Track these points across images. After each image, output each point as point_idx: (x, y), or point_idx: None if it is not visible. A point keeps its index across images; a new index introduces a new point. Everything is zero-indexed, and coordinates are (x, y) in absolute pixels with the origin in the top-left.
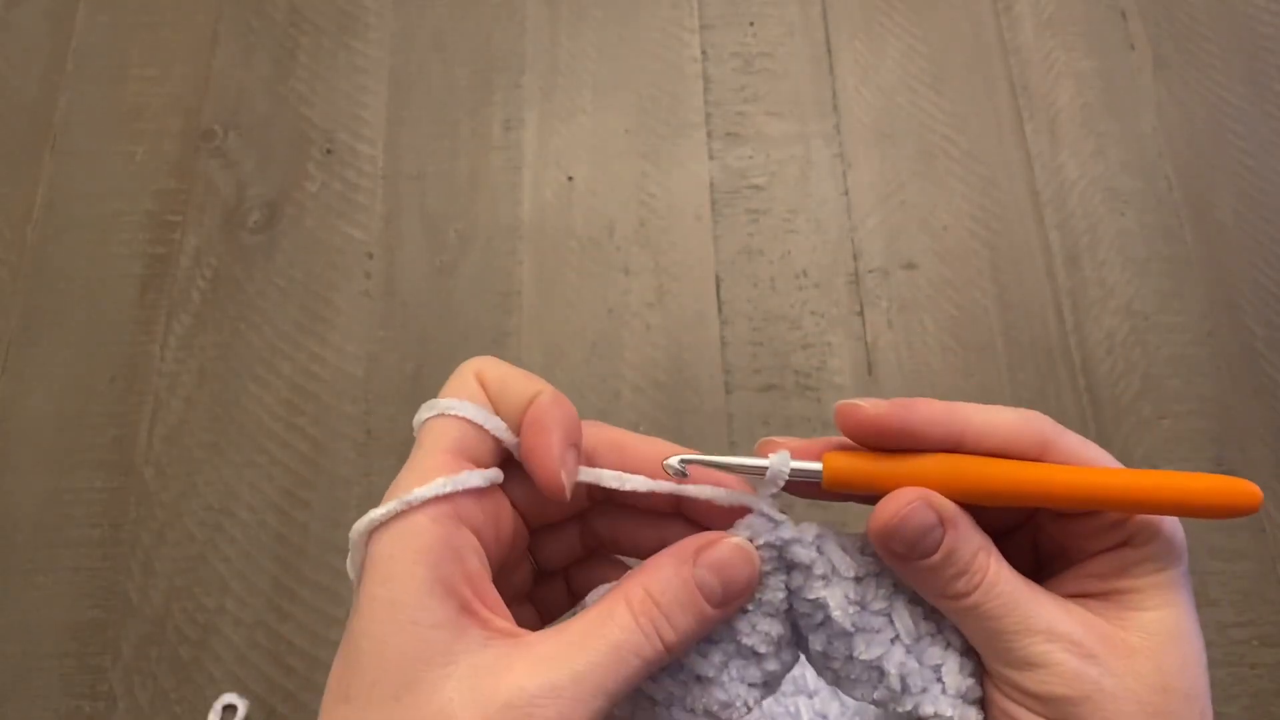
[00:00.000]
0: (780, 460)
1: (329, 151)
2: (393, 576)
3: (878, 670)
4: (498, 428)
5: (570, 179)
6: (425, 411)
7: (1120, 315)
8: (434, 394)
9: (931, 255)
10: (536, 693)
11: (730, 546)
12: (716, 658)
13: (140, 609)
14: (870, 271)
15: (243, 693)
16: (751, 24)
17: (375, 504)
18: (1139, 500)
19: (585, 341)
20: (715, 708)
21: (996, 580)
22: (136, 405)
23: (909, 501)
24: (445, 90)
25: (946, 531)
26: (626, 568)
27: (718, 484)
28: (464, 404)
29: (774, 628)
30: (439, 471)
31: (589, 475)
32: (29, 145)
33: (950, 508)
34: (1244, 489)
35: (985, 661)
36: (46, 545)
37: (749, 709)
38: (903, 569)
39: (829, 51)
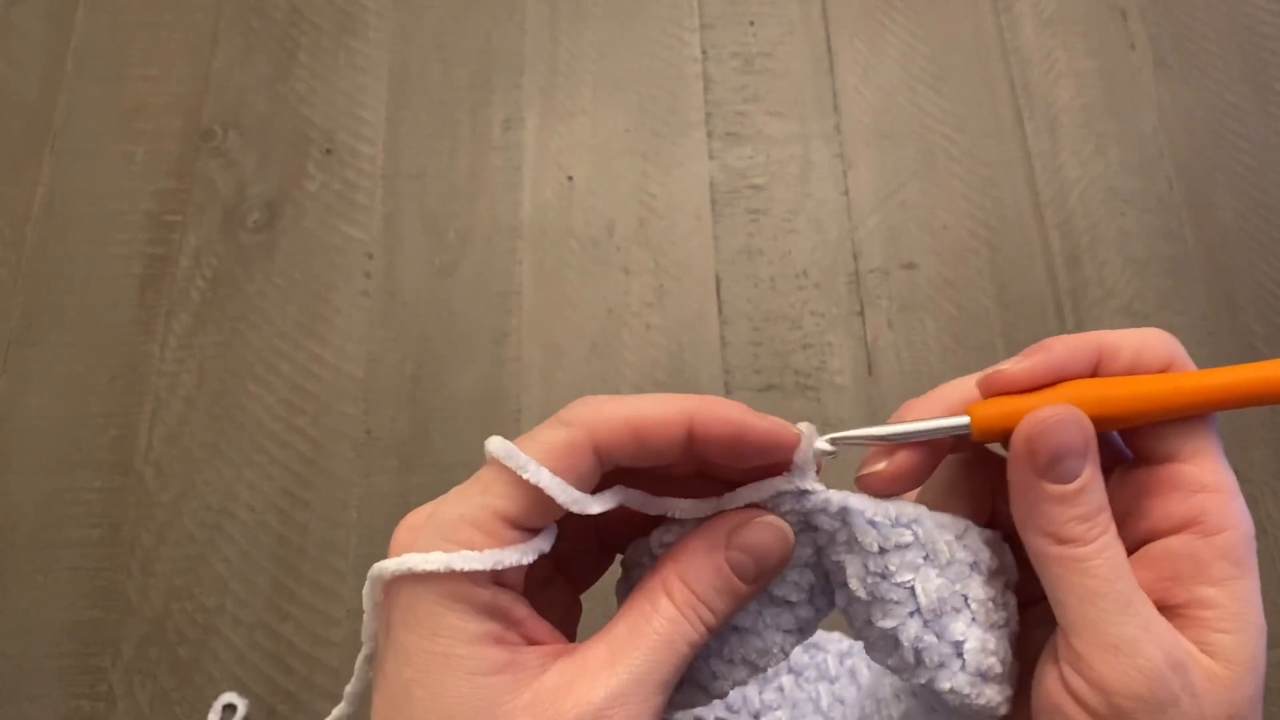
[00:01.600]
0: (809, 430)
1: (329, 151)
2: (442, 630)
3: (893, 639)
4: (579, 503)
5: (570, 179)
6: (500, 453)
7: (1120, 315)
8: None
9: (931, 255)
10: (603, 704)
11: (762, 526)
12: (751, 607)
13: (140, 609)
14: (870, 271)
15: (243, 692)
16: (751, 24)
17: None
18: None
19: (585, 341)
20: (753, 656)
21: (1113, 542)
22: (136, 405)
23: (1060, 414)
24: (445, 90)
25: (1088, 464)
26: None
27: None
28: (540, 471)
29: (804, 577)
30: (490, 537)
31: (619, 497)
32: (29, 145)
33: (1094, 442)
34: None
35: (1062, 635)
36: (46, 545)
37: (785, 654)
38: (1029, 490)
39: (829, 51)
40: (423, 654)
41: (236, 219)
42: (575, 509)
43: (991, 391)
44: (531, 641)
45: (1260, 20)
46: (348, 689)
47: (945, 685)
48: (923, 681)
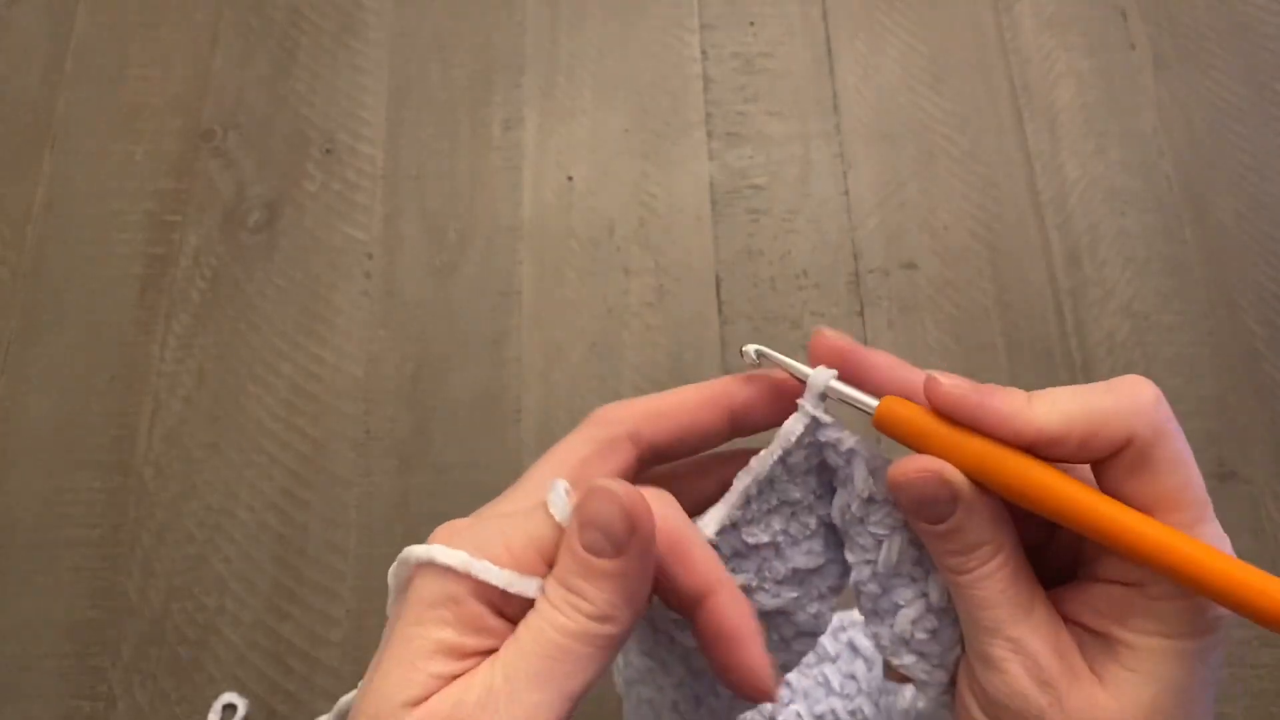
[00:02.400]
0: (820, 375)
1: (329, 151)
2: (425, 620)
3: (836, 590)
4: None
5: (570, 179)
6: (562, 498)
7: (1120, 315)
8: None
9: (931, 255)
10: (474, 701)
11: (594, 494)
12: (784, 591)
13: (140, 609)
14: (870, 271)
15: (243, 692)
16: (751, 24)
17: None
18: (1184, 574)
19: (585, 341)
20: (808, 625)
21: (992, 574)
22: (136, 405)
23: (923, 469)
24: (445, 90)
25: (959, 510)
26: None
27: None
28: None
29: (818, 547)
30: (516, 562)
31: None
32: (29, 145)
33: (966, 490)
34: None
35: (965, 640)
36: (46, 545)
37: (829, 615)
38: (911, 523)
39: (829, 51)
40: (399, 633)
41: (236, 219)
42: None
43: (926, 397)
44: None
45: (1260, 20)
46: (343, 700)
47: (884, 641)
48: (872, 630)
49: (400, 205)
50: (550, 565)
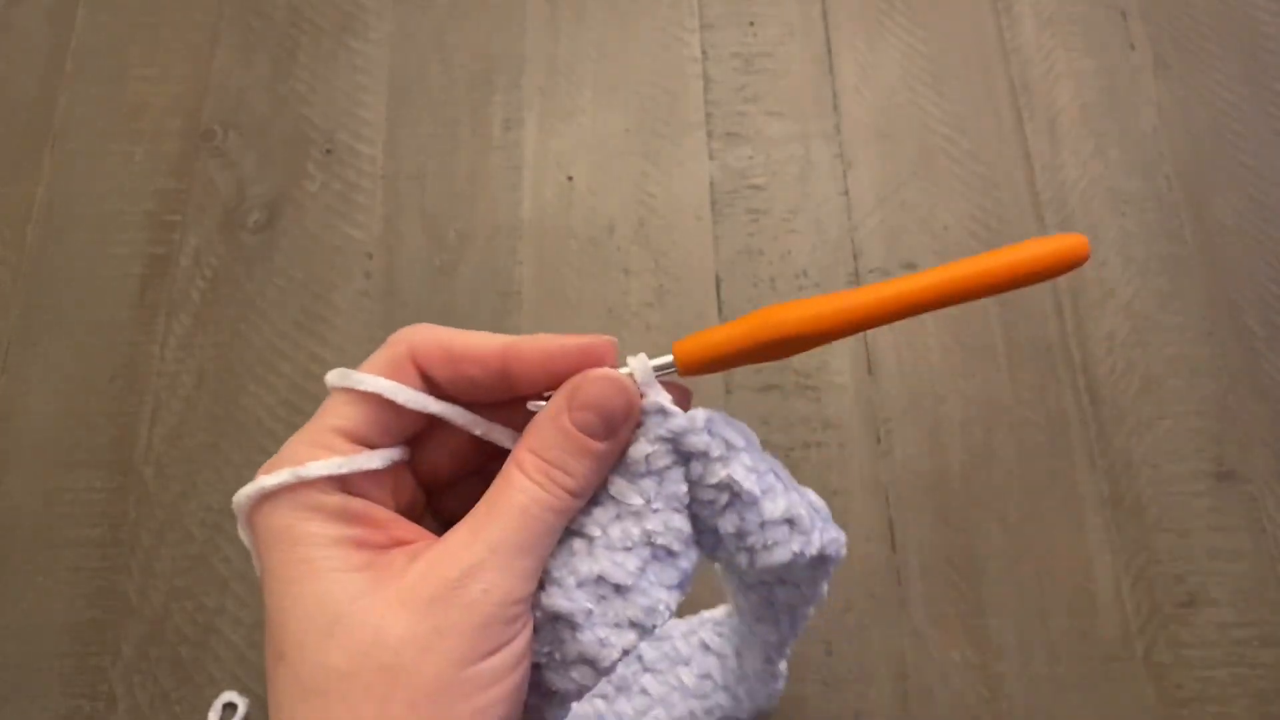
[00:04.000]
0: (640, 361)
1: (329, 151)
2: (301, 539)
3: (789, 523)
4: (413, 400)
5: (570, 179)
6: (335, 379)
7: (1120, 315)
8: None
9: (931, 255)
10: (459, 576)
11: (595, 380)
12: (633, 565)
13: (140, 609)
14: (870, 271)
15: (243, 692)
16: (751, 24)
17: None
18: (971, 285)
19: None
20: (640, 616)
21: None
22: (136, 405)
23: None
24: (445, 90)
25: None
26: None
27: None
28: (377, 379)
29: (684, 524)
30: (334, 450)
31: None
32: (29, 145)
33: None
34: (1070, 243)
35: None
36: (46, 545)
37: (670, 612)
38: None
39: (829, 51)
40: (286, 566)
41: (236, 219)
42: (414, 406)
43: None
44: (400, 544)
45: (1260, 20)
46: None
47: (829, 537)
48: (814, 550)
49: (400, 205)
50: (365, 444)
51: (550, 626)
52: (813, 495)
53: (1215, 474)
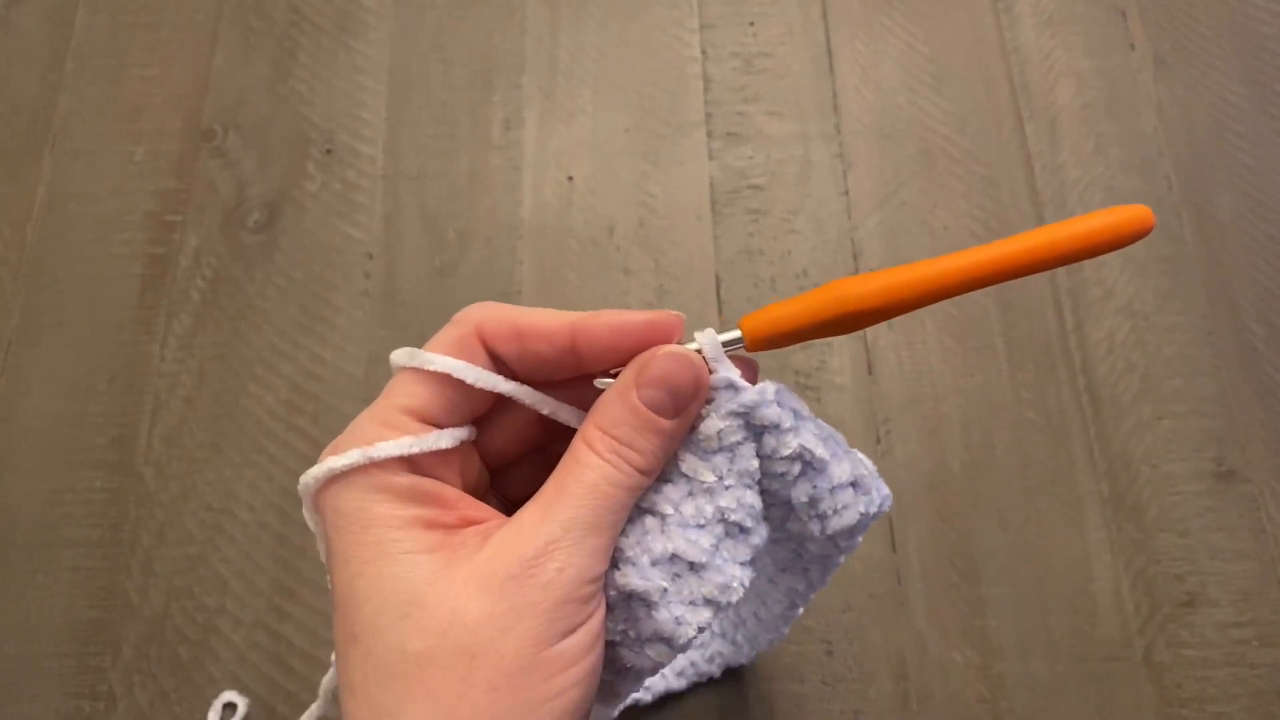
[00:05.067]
0: (709, 336)
1: (329, 151)
2: (373, 521)
3: (853, 485)
4: (483, 379)
5: (570, 179)
6: (403, 359)
7: (1120, 315)
8: None
9: (931, 255)
10: (534, 554)
11: (664, 357)
12: (707, 542)
13: (140, 609)
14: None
15: (243, 692)
16: (751, 24)
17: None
18: (1037, 257)
19: None
20: (715, 593)
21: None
22: (136, 405)
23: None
24: (445, 90)
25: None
26: None
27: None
28: (446, 359)
29: (755, 500)
30: (403, 430)
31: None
32: (29, 145)
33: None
34: (1135, 213)
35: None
36: (46, 545)
37: (744, 588)
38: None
39: (829, 51)
40: (357, 548)
41: (236, 219)
42: (484, 386)
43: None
44: (470, 524)
45: (1260, 20)
46: (324, 681)
47: (885, 491)
48: (875, 509)
49: (400, 205)
50: (433, 423)
51: (625, 605)
52: (861, 455)
53: (1215, 474)
